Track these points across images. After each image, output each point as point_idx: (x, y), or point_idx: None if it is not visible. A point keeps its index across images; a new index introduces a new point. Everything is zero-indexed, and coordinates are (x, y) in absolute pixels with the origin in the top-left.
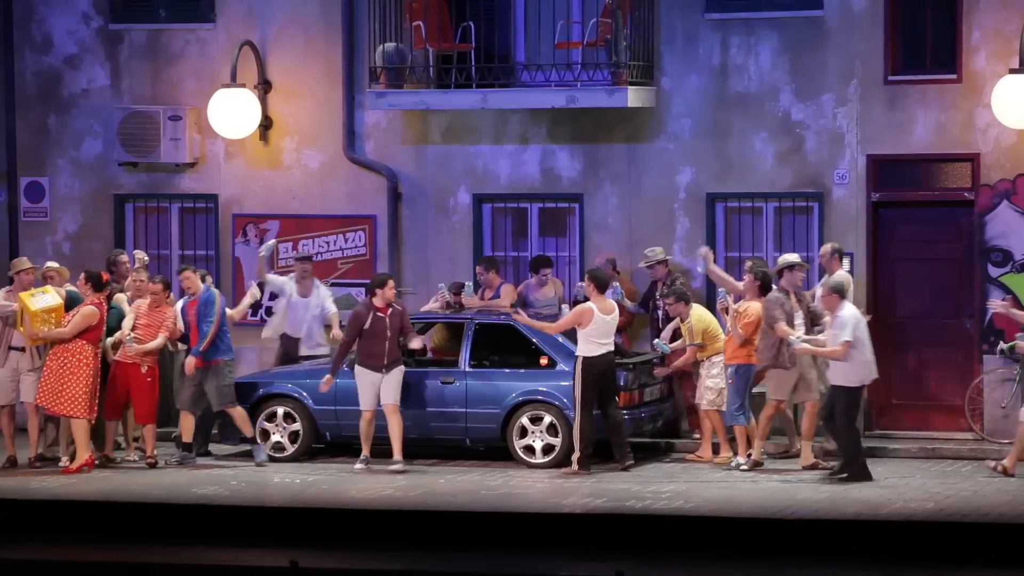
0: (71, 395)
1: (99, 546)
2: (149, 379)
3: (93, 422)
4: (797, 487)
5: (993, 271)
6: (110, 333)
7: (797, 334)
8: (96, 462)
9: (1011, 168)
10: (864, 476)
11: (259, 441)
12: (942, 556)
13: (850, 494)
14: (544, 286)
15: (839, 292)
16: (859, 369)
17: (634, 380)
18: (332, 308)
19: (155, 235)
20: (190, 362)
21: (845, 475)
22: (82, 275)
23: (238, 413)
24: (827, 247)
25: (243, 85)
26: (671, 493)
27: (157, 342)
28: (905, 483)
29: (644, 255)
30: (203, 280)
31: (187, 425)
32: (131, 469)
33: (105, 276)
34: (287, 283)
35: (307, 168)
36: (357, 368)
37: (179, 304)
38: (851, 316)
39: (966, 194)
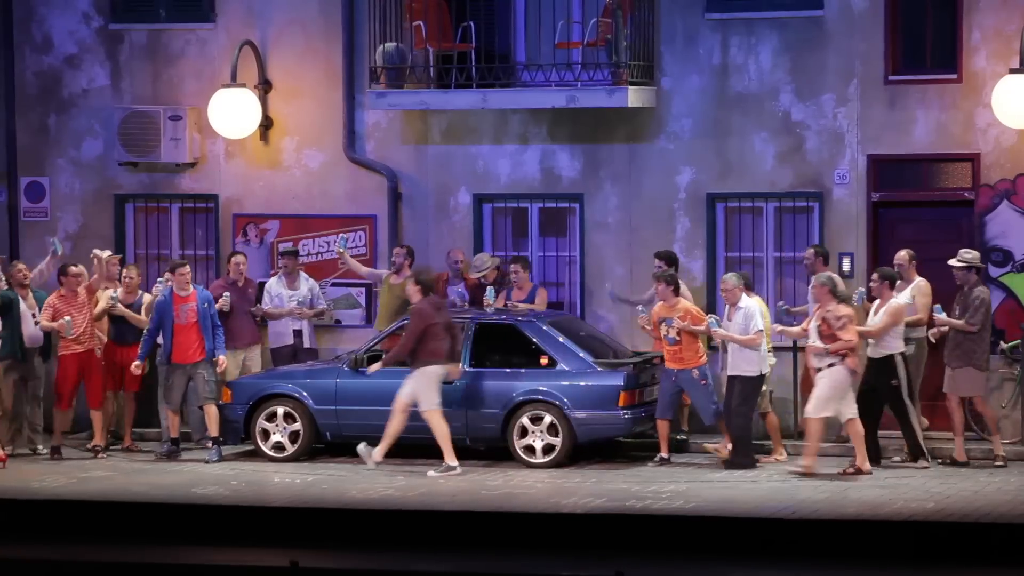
0: None
1: (99, 546)
2: (102, 363)
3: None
4: (797, 487)
5: (993, 271)
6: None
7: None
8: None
9: (1011, 168)
10: (749, 464)
11: (220, 444)
12: (942, 556)
13: (850, 494)
14: None
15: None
16: (760, 359)
17: (634, 380)
18: (321, 304)
19: (155, 235)
20: (137, 365)
21: (730, 460)
22: None
23: (211, 411)
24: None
25: (243, 85)
26: (671, 493)
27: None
28: (905, 483)
29: (474, 266)
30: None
31: (174, 422)
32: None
33: None
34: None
35: (307, 168)
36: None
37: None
38: (756, 307)
39: (966, 194)
